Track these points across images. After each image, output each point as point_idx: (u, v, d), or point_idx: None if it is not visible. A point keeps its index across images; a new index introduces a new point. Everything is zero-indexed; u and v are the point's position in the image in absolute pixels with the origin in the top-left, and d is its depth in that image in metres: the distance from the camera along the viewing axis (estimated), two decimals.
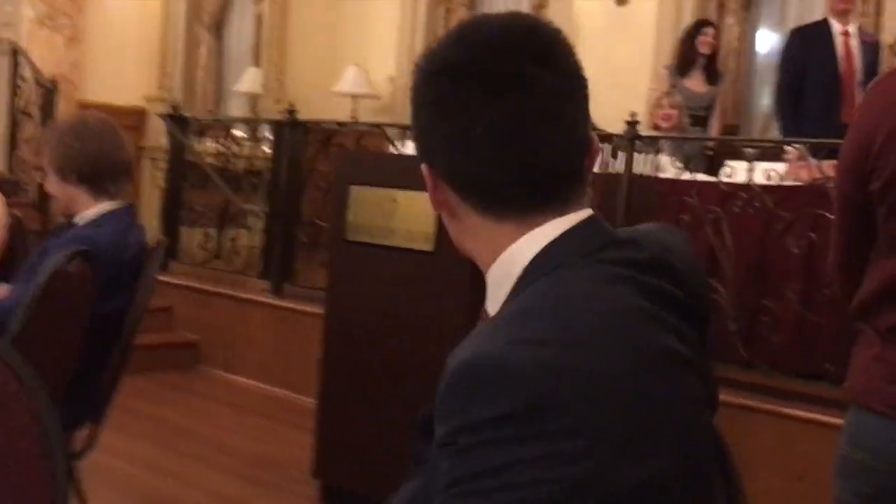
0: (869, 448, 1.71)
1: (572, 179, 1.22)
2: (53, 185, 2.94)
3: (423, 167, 1.26)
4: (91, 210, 2.92)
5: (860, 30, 5.71)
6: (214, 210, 6.77)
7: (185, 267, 6.78)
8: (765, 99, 7.06)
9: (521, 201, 1.20)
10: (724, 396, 4.38)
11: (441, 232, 3.67)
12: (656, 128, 6.11)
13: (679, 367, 1.17)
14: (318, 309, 5.11)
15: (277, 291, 6.09)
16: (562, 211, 1.20)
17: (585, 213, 1.22)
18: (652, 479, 1.10)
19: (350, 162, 4.22)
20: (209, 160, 6.85)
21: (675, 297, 1.22)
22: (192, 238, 6.83)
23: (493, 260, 1.22)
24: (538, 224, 1.19)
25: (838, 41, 5.58)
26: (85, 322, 2.70)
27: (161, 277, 6.62)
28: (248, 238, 6.64)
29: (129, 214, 2.98)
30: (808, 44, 5.67)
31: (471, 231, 1.24)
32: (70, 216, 3.02)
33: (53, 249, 2.68)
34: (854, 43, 5.60)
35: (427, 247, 3.79)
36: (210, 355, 6.30)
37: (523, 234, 1.19)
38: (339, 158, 4.47)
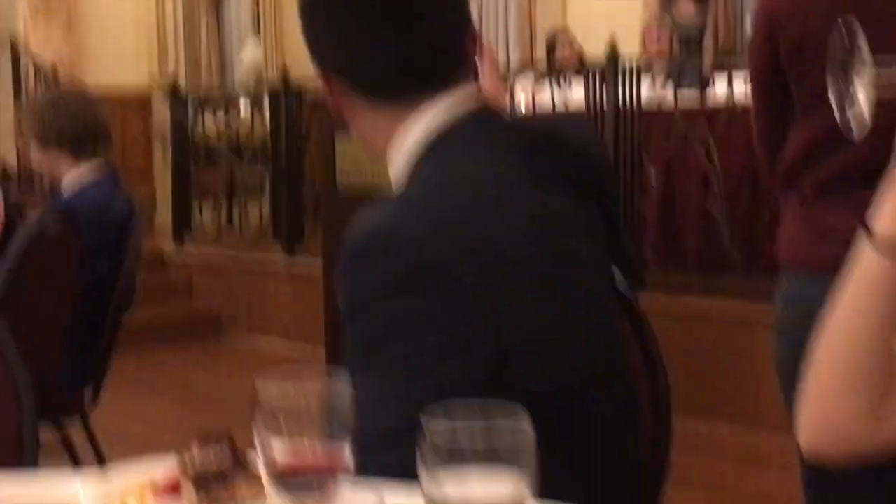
0: (798, 305, 1.78)
1: (455, 62, 1.29)
2: (35, 153, 3.05)
3: (321, 78, 1.33)
4: (74, 172, 3.01)
5: None
6: (223, 183, 6.88)
7: (200, 241, 6.90)
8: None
9: (407, 88, 1.27)
10: (725, 305, 4.39)
11: None
12: (648, 54, 6.13)
13: (568, 229, 1.25)
14: None
15: (289, 253, 6.20)
16: (447, 92, 1.26)
17: (470, 90, 1.28)
18: (544, 333, 1.18)
19: (330, 117, 4.30)
20: (212, 134, 6.95)
21: (565, 166, 1.28)
22: (205, 213, 6.94)
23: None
24: (426, 106, 1.26)
25: None
26: (72, 286, 2.81)
27: (178, 255, 6.80)
28: (258, 206, 6.75)
29: (112, 180, 3.08)
30: None
31: (369, 125, 1.31)
32: (57, 184, 3.12)
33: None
34: None
35: None
36: (231, 322, 6.43)
37: (413, 116, 1.26)
38: (321, 115, 4.55)
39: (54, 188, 3.22)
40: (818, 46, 1.76)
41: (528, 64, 7.23)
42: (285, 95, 6.21)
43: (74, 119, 2.97)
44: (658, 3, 6.49)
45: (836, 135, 1.77)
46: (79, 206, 2.86)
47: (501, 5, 8.31)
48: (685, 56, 6.25)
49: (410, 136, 1.26)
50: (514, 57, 7.95)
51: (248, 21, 9.62)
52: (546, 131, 1.33)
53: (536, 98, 5.35)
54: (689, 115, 4.72)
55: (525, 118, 1.39)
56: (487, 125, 1.27)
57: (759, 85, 1.88)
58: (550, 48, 6.73)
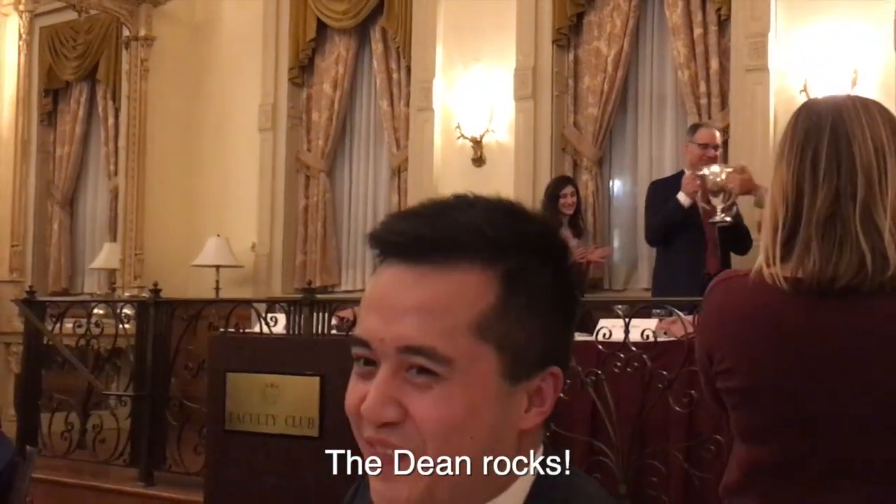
0: None
1: None
2: None
3: (553, 373, 1.15)
4: None
5: None
6: (76, 395, 6.47)
7: (47, 459, 6.42)
8: (622, 250, 7.28)
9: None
10: None
11: (326, 416, 3.57)
12: None
13: None
14: (193, 496, 4.88)
15: (147, 480, 5.79)
16: None
17: None
18: None
19: (225, 347, 4.10)
20: (68, 342, 6.58)
21: None
22: (54, 426, 6.48)
23: None
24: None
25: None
26: None
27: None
28: (114, 422, 6.34)
29: None
30: (671, 194, 5.81)
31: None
32: None
33: None
34: None
35: (312, 432, 3.67)
36: None
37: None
38: (213, 344, 4.33)
39: None
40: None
41: None
42: (155, 309, 5.94)
43: None
44: None
45: None
46: None
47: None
48: None
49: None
50: None
51: (104, 225, 9.38)
52: None
53: None
54: (580, 354, 4.68)
55: None
56: None
57: (708, 393, 1.88)
58: None
